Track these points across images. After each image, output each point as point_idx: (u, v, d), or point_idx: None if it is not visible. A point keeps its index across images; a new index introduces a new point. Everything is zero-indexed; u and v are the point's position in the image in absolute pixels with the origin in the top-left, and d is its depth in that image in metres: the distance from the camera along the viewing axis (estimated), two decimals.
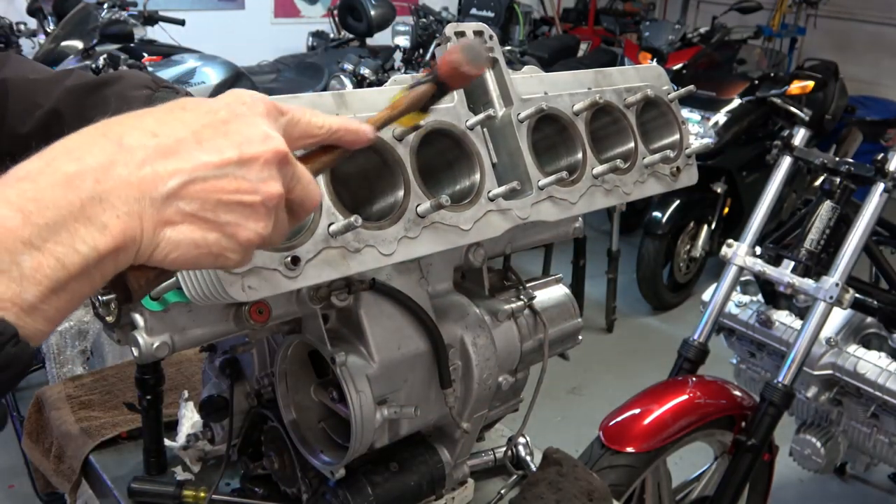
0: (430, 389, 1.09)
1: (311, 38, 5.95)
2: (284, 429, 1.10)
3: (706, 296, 2.49)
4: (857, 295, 2.23)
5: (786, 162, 2.45)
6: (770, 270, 2.31)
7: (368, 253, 0.85)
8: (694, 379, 2.29)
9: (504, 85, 1.03)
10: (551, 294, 1.28)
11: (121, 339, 0.93)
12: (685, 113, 1.82)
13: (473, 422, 1.16)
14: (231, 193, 0.56)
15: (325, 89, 4.43)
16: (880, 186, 2.21)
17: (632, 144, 1.15)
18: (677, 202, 4.45)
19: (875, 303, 2.40)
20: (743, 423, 2.22)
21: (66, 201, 0.50)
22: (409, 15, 5.37)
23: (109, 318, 0.93)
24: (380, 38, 5.35)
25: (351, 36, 5.46)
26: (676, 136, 1.22)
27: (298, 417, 1.10)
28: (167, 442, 1.32)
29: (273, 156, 0.58)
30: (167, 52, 4.20)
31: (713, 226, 4.77)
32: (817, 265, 2.27)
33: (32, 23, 4.07)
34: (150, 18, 4.24)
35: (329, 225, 0.81)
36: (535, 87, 1.07)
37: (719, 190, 4.67)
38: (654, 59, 5.10)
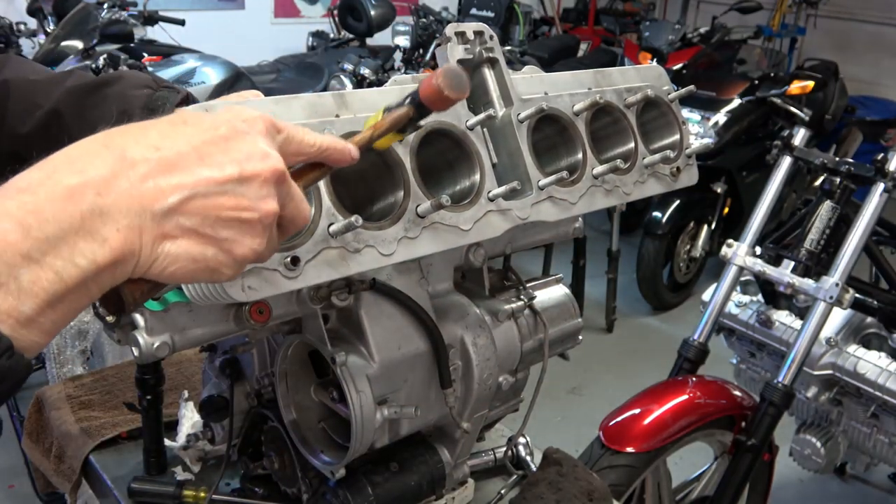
0: (431, 389, 1.09)
1: (311, 38, 5.96)
2: (284, 429, 1.10)
3: (706, 296, 2.49)
4: (857, 295, 2.23)
5: (786, 162, 2.45)
6: (770, 270, 2.31)
7: (368, 253, 0.85)
8: (694, 379, 2.29)
9: (504, 85, 1.03)
10: (551, 294, 1.28)
11: (121, 339, 0.93)
12: (685, 113, 1.82)
13: (473, 422, 1.16)
14: (230, 210, 0.57)
15: (325, 89, 4.43)
16: (880, 186, 2.21)
17: (632, 144, 1.15)
18: (677, 202, 4.45)
19: (875, 303, 2.40)
20: (743, 423, 2.22)
21: (67, 214, 0.50)
22: (409, 15, 5.37)
23: (109, 318, 0.93)
24: (380, 38, 5.35)
25: (351, 36, 5.46)
26: (676, 137, 1.22)
27: (298, 417, 1.10)
28: (167, 442, 1.32)
29: (272, 174, 0.59)
30: (167, 52, 4.20)
31: (713, 226, 4.77)
32: (817, 265, 2.27)
33: (32, 23, 4.07)
34: (150, 18, 4.24)
35: (329, 225, 0.81)
36: (535, 87, 1.07)
37: (719, 190, 4.67)
38: (654, 59, 5.10)
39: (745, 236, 2.40)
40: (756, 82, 4.76)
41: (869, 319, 2.52)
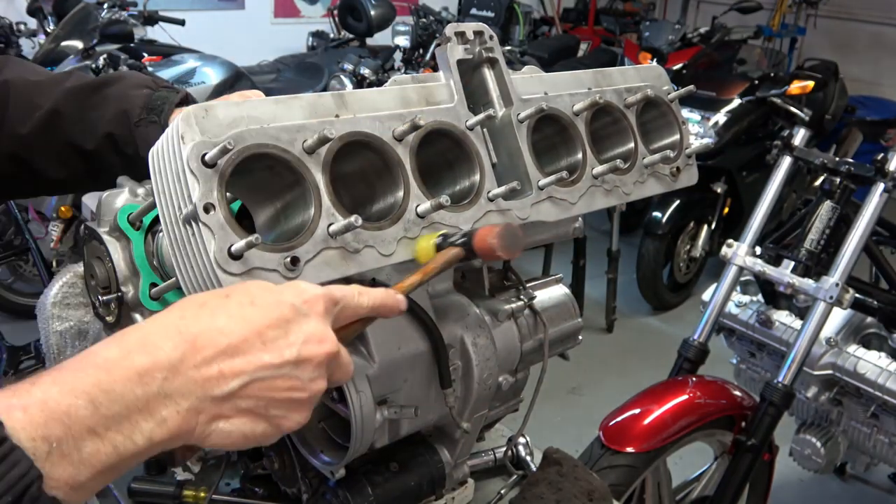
0: (431, 389, 1.09)
1: (311, 38, 5.96)
2: None
3: (706, 296, 2.49)
4: (857, 295, 2.23)
5: (786, 162, 2.45)
6: (770, 270, 2.31)
7: (368, 253, 0.85)
8: (694, 379, 2.29)
9: (504, 85, 1.03)
10: (551, 294, 1.28)
11: None
12: (685, 113, 1.82)
13: (473, 422, 1.16)
14: (284, 391, 0.62)
15: (325, 89, 4.43)
16: (880, 186, 2.21)
17: (632, 144, 1.15)
18: (677, 202, 4.45)
19: (875, 303, 2.40)
20: (743, 423, 2.22)
21: (134, 396, 0.55)
22: (409, 15, 5.37)
23: (109, 318, 0.93)
24: (380, 38, 5.36)
25: (351, 36, 5.47)
26: (676, 137, 1.22)
27: None
28: None
29: (325, 357, 0.64)
30: (167, 52, 4.20)
31: (713, 226, 4.77)
32: (817, 265, 2.27)
33: (32, 23, 4.08)
34: (150, 18, 4.24)
35: (328, 225, 0.81)
36: (535, 87, 1.07)
37: (719, 190, 4.67)
38: (654, 59, 5.11)
39: (745, 236, 2.40)
40: (756, 82, 4.76)
41: (869, 319, 2.52)
